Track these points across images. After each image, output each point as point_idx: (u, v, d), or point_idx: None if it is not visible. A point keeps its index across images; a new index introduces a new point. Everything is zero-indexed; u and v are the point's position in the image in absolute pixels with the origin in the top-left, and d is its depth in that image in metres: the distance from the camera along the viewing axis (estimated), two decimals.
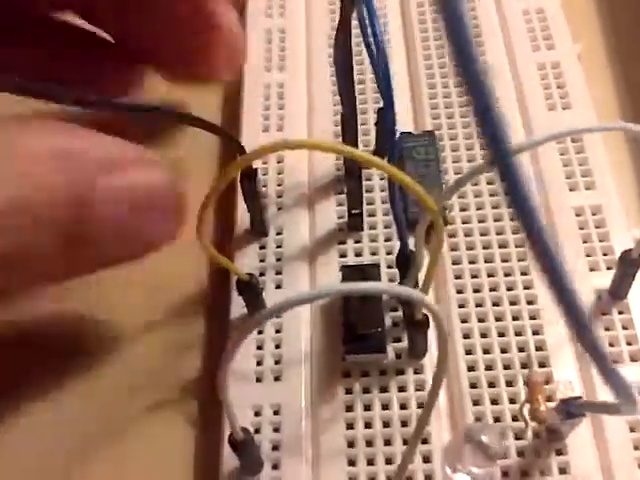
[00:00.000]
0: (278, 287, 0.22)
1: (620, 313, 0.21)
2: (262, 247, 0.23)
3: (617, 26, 0.29)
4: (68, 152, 0.16)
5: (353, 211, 0.22)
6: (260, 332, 0.21)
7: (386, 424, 0.20)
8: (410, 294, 0.13)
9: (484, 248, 0.22)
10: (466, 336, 0.21)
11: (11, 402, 0.22)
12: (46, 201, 0.16)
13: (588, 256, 0.22)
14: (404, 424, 0.20)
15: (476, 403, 0.20)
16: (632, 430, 0.19)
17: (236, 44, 0.24)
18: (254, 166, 0.21)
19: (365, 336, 0.20)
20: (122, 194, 0.17)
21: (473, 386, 0.20)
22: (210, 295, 0.23)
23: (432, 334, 0.20)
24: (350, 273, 0.21)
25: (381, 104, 0.20)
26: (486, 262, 0.22)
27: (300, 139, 0.24)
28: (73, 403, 0.22)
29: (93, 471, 0.20)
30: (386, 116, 0.19)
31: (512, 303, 0.21)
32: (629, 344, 0.20)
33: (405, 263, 0.20)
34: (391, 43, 0.27)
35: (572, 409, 0.17)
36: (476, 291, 0.22)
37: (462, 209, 0.23)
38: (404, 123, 0.25)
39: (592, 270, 0.22)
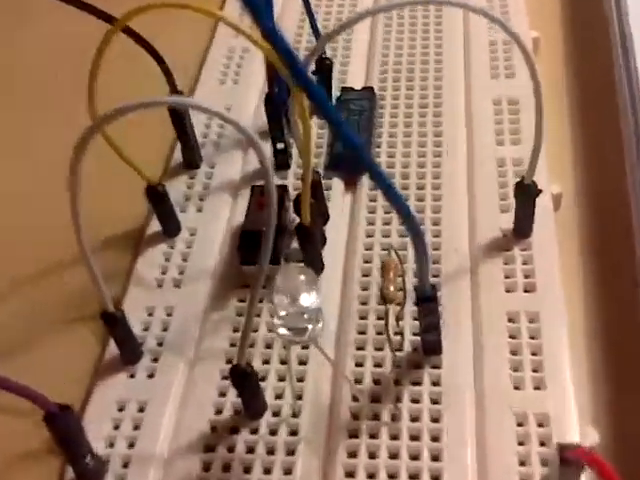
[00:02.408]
0: (199, 211, 0.23)
1: (523, 250, 0.21)
2: (192, 177, 0.24)
3: (575, 20, 0.30)
4: None
5: (278, 146, 0.23)
6: (172, 247, 0.22)
7: (270, 330, 0.20)
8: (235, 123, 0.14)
9: None
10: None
11: None
12: None
13: (502, 200, 0.22)
14: None
15: (363, 303, 0.20)
16: (513, 353, 0.19)
17: None
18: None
19: (252, 239, 0.20)
20: None
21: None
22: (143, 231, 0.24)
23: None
24: (258, 191, 0.22)
25: None
26: None
27: None
28: None
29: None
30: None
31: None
32: (527, 277, 0.20)
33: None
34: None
35: (421, 294, 0.17)
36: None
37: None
38: (358, 77, 0.27)
39: (503, 212, 0.22)
